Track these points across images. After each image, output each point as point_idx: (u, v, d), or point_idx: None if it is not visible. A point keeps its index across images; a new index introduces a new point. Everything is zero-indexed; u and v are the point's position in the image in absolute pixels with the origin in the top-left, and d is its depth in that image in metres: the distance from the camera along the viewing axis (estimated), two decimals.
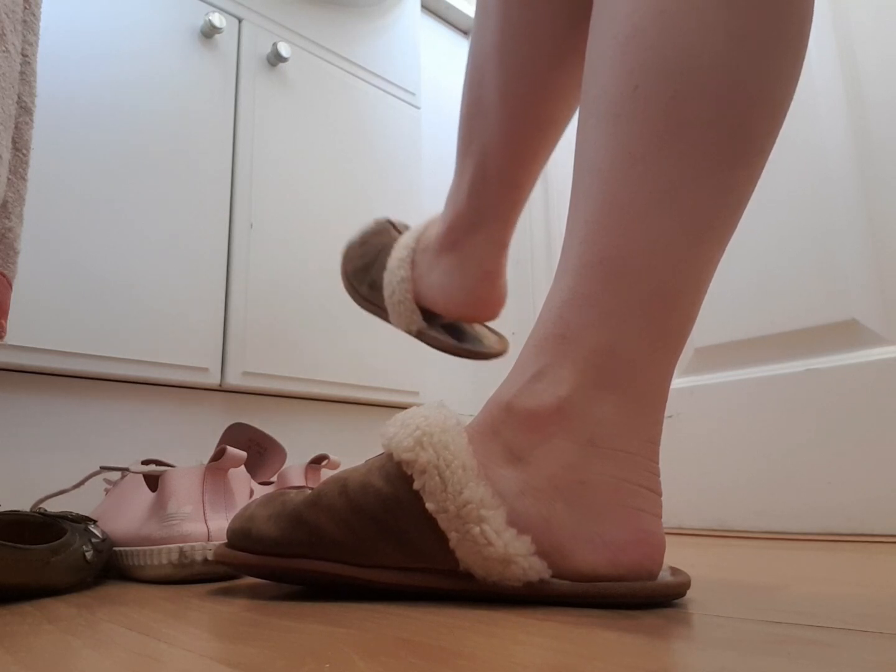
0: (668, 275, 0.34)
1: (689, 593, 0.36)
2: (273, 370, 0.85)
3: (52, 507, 0.55)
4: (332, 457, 0.62)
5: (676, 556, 0.58)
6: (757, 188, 0.36)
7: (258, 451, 0.61)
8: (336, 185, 0.97)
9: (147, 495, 0.51)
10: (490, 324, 0.70)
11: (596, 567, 0.33)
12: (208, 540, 0.45)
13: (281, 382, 0.86)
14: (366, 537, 0.35)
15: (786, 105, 0.35)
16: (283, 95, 0.93)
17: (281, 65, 0.93)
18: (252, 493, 0.53)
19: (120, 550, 0.48)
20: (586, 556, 0.33)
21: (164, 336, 0.76)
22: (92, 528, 0.46)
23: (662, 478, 0.36)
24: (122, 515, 0.51)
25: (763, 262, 0.91)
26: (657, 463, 0.36)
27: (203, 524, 0.46)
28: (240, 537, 0.37)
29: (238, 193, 0.86)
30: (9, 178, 0.46)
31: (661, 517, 0.35)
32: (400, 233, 0.69)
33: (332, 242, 0.95)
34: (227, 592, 0.41)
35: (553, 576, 0.33)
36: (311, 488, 0.38)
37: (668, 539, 0.35)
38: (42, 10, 0.50)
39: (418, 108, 1.12)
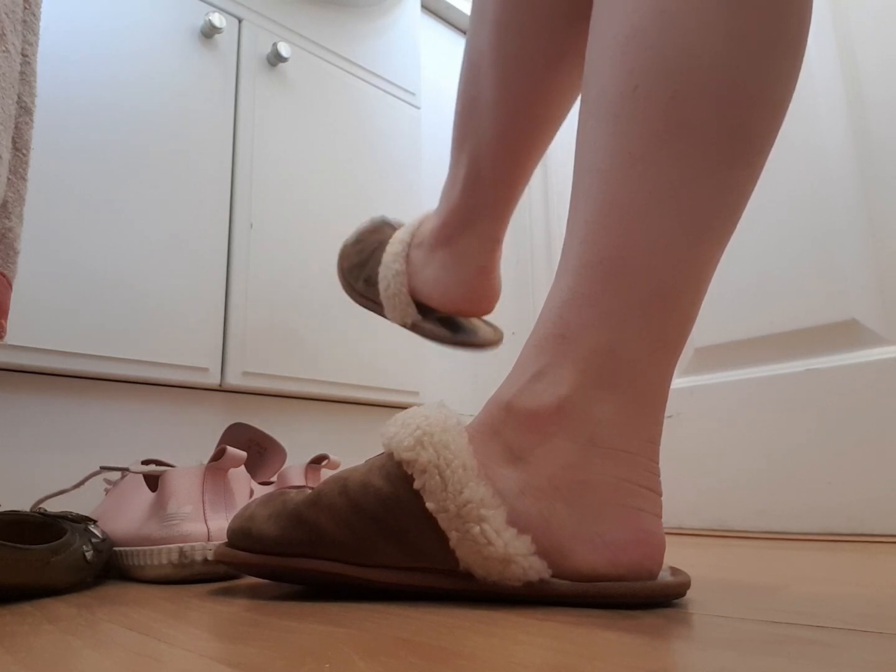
0: (668, 275, 0.34)
1: (689, 593, 0.36)
2: (273, 370, 0.85)
3: (52, 507, 0.55)
4: (332, 457, 0.62)
5: (676, 556, 0.58)
6: (757, 188, 0.36)
7: (258, 451, 0.61)
8: (336, 185, 0.97)
9: (147, 495, 0.51)
10: (490, 320, 0.71)
11: (596, 567, 0.33)
12: (208, 540, 0.45)
13: (281, 382, 0.86)
14: (366, 537, 0.35)
15: (785, 105, 0.35)
16: (283, 95, 0.93)
17: (281, 65, 0.93)
18: (252, 493, 0.53)
19: (120, 550, 0.48)
20: (586, 555, 0.33)
21: (164, 336, 0.76)
22: (92, 528, 0.46)
23: (662, 478, 0.36)
24: (122, 515, 0.51)
25: (763, 263, 0.91)
26: (657, 463, 0.36)
27: (203, 524, 0.46)
28: (240, 537, 0.37)
29: (238, 193, 0.86)
30: (9, 178, 0.46)
31: (661, 517, 0.35)
32: (395, 230, 0.70)
33: (332, 242, 0.95)
34: (227, 592, 0.41)
35: (553, 576, 0.33)
36: (311, 488, 0.38)
37: (668, 539, 0.35)
38: (42, 10, 0.50)
39: (418, 108, 1.12)
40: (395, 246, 0.65)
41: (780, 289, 0.89)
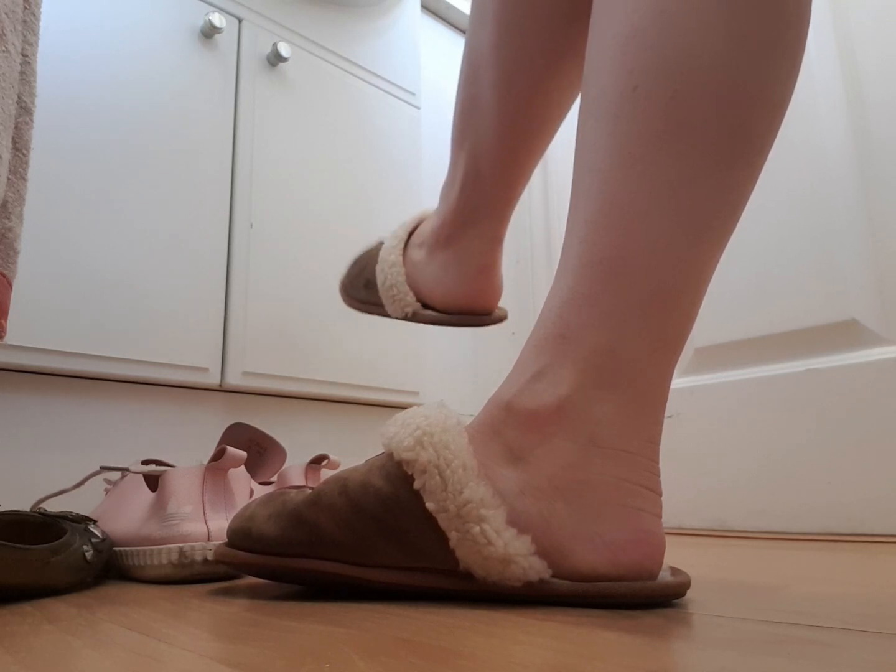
0: (668, 275, 0.34)
1: (689, 593, 0.36)
2: (273, 370, 0.85)
3: (52, 507, 0.55)
4: (332, 457, 0.62)
5: (676, 556, 0.58)
6: (756, 188, 0.36)
7: (258, 451, 0.61)
8: (336, 185, 0.97)
9: (147, 495, 0.51)
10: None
11: (596, 567, 0.33)
12: (208, 540, 0.45)
13: (281, 382, 0.86)
14: (366, 537, 0.35)
15: (785, 105, 0.35)
16: (283, 95, 0.93)
17: (281, 65, 0.93)
18: (252, 493, 0.53)
19: (120, 550, 0.48)
20: (586, 555, 0.33)
21: (164, 336, 0.76)
22: (92, 528, 0.46)
23: (662, 478, 0.36)
24: (122, 515, 0.51)
25: (762, 262, 0.91)
26: (657, 463, 0.36)
27: (203, 524, 0.46)
28: (240, 537, 0.37)
29: (238, 193, 0.86)
30: (9, 178, 0.46)
31: (661, 517, 0.35)
32: None
33: (332, 242, 0.95)
34: (227, 592, 0.41)
35: (553, 576, 0.33)
36: (311, 488, 0.38)
37: (668, 539, 0.35)
38: (42, 10, 0.50)
39: (418, 108, 1.12)
40: (390, 241, 0.66)
41: (779, 289, 0.89)
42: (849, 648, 0.24)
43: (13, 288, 0.47)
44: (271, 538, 0.36)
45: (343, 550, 0.35)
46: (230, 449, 0.49)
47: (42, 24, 0.50)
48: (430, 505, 0.33)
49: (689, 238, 0.34)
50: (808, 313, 0.86)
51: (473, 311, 0.63)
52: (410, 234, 0.66)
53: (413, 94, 1.11)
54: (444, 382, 1.16)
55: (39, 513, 0.45)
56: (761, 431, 0.87)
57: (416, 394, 1.01)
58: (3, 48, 0.43)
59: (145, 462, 0.57)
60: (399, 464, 0.35)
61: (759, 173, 0.36)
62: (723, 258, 0.37)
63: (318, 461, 0.62)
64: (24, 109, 0.47)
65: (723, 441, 0.91)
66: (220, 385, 0.81)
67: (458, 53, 1.35)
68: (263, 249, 0.87)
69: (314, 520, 0.36)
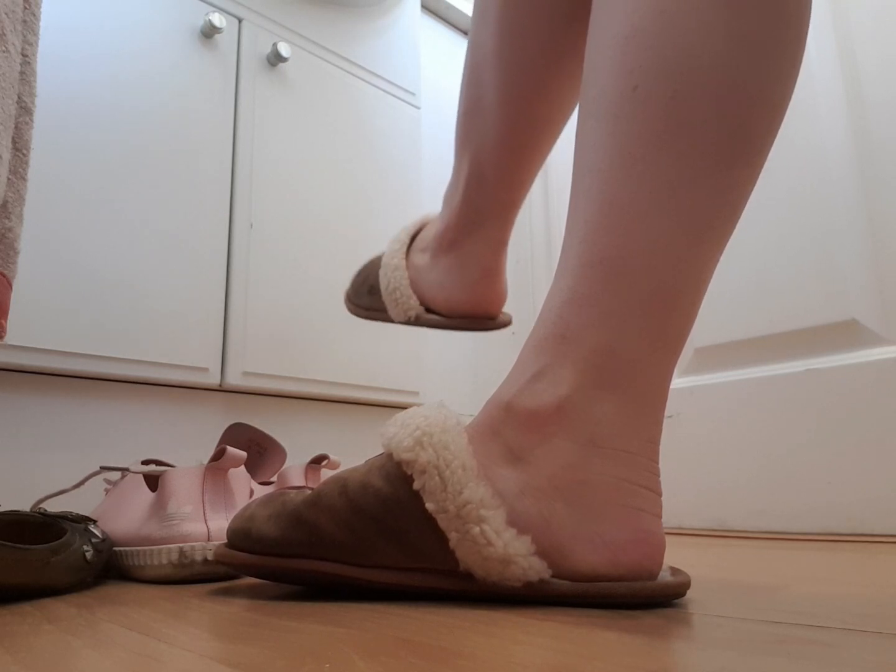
0: (668, 275, 0.34)
1: (689, 593, 0.36)
2: (273, 370, 0.85)
3: (52, 507, 0.55)
4: (332, 457, 0.62)
5: (676, 556, 0.58)
6: (756, 188, 0.36)
7: (258, 451, 0.61)
8: (336, 185, 0.97)
9: (147, 495, 0.51)
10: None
11: (596, 567, 0.33)
12: (208, 540, 0.45)
13: (281, 382, 0.86)
14: (366, 537, 0.35)
15: (785, 105, 0.35)
16: (283, 95, 0.93)
17: (281, 65, 0.93)
18: (252, 493, 0.53)
19: (120, 550, 0.48)
20: (586, 555, 0.33)
21: (164, 336, 0.76)
22: (92, 528, 0.46)
23: (662, 478, 0.36)
24: (122, 515, 0.51)
25: (762, 262, 0.91)
26: (657, 463, 0.36)
27: (203, 524, 0.46)
28: (240, 537, 0.37)
29: (238, 193, 0.86)
30: (9, 178, 0.46)
31: (661, 517, 0.35)
32: None
33: (332, 242, 0.95)
34: (227, 592, 0.41)
35: (553, 576, 0.33)
36: (311, 488, 0.38)
37: (668, 539, 0.35)
38: (42, 10, 0.50)
39: (418, 108, 1.12)
40: (393, 245, 0.65)
41: (779, 288, 0.89)
42: (849, 648, 0.24)
43: (13, 288, 0.47)
44: (271, 539, 0.36)
45: (343, 551, 0.35)
46: (230, 449, 0.49)
47: (42, 24, 0.50)
48: (429, 505, 0.33)
49: (689, 238, 0.34)
50: (808, 313, 0.86)
51: (477, 315, 0.63)
52: (413, 238, 0.66)
53: (413, 94, 1.11)
54: (444, 383, 1.16)
55: (39, 513, 0.45)
56: (761, 431, 0.87)
57: (416, 394, 1.01)
58: (3, 48, 0.43)
59: (145, 462, 0.57)
60: (399, 464, 0.35)
61: (759, 173, 0.36)
62: (723, 258, 0.37)
63: (317, 461, 0.62)
64: (24, 109, 0.47)
65: (723, 441, 0.91)
66: (220, 385, 0.81)
67: (459, 53, 1.35)
68: (263, 249, 0.87)
69: (314, 520, 0.35)
